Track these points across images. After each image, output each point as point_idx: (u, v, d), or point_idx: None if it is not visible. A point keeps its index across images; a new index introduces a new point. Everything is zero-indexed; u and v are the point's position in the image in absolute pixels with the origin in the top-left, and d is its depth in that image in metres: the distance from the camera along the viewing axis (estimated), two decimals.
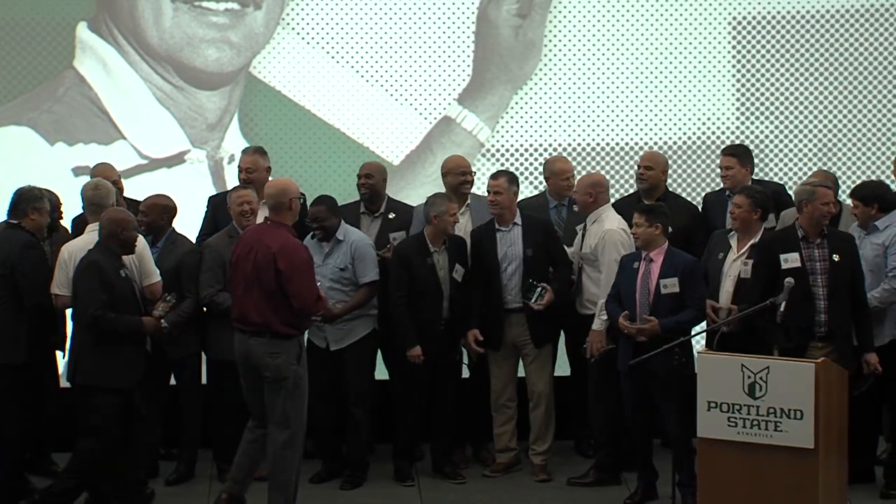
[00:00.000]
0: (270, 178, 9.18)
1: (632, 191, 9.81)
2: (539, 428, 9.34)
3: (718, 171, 10.40)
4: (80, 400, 8.49)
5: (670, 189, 9.62)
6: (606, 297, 8.89)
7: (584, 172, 10.31)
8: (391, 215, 9.49)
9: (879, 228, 8.81)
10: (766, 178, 10.07)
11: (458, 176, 9.45)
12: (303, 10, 10.35)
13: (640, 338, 8.62)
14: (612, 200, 9.95)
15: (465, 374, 9.56)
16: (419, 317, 9.07)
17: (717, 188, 10.04)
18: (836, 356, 8.35)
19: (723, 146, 10.42)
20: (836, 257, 8.50)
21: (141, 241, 8.82)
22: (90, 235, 8.71)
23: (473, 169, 9.65)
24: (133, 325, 8.50)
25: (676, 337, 8.46)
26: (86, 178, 9.79)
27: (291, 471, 8.45)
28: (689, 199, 10.06)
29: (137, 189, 9.82)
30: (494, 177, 9.24)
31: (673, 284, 8.63)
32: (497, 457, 9.44)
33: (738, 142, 10.32)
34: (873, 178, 10.36)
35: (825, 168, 10.34)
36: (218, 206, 9.51)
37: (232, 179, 10.04)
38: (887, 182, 9.23)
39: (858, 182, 9.54)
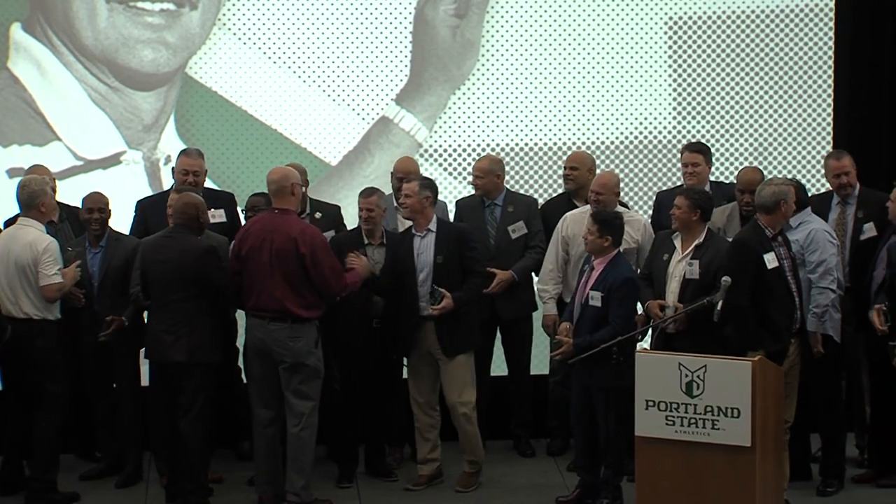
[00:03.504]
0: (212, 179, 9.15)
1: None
2: (460, 439, 9.20)
3: (660, 169, 10.51)
4: (189, 378, 8.61)
5: None
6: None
7: (521, 172, 10.35)
8: (317, 215, 9.47)
9: (793, 227, 8.89)
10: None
11: (395, 181, 9.54)
12: (239, 10, 10.29)
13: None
14: (542, 201, 10.01)
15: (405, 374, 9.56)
16: (351, 312, 9.01)
17: (665, 188, 10.09)
18: (803, 348, 8.57)
19: (659, 146, 10.49)
20: (793, 255, 8.62)
21: (48, 241, 8.74)
22: (16, 229, 8.80)
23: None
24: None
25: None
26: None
27: (310, 451, 8.70)
28: (625, 198, 10.08)
29: (74, 191, 9.74)
30: (407, 181, 9.17)
31: (596, 298, 8.56)
32: (418, 468, 9.31)
33: (674, 141, 10.37)
34: (808, 176, 10.47)
35: (761, 167, 10.41)
36: (148, 209, 9.47)
37: (168, 181, 9.97)
38: (813, 181, 9.26)
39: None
